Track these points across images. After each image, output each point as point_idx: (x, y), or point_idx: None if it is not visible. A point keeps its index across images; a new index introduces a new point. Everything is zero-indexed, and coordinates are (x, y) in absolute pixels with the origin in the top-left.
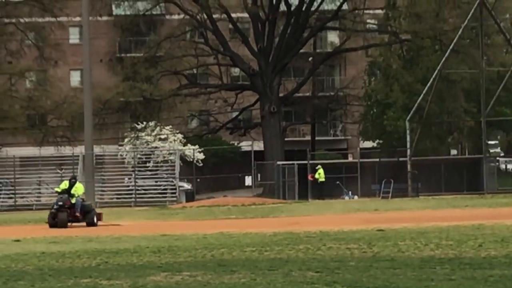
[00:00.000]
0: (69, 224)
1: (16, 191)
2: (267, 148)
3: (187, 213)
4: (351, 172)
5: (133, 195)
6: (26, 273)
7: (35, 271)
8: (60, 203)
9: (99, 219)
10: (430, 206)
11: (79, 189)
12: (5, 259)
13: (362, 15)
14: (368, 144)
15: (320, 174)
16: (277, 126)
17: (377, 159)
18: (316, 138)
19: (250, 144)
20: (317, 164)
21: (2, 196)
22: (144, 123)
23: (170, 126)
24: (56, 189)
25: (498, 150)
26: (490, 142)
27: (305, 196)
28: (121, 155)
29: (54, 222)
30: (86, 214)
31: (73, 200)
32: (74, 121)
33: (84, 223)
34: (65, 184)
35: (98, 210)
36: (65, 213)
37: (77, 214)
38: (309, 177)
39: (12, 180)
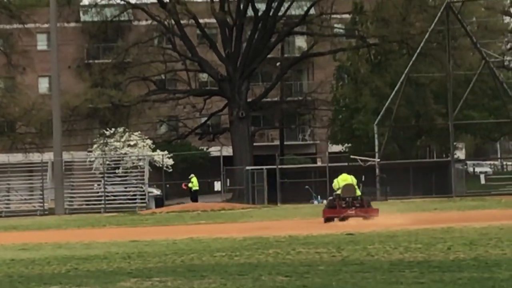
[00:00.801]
0: None
1: None
2: (236, 153)
3: (156, 218)
4: (320, 176)
5: (103, 201)
6: None
7: (4, 278)
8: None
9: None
10: (399, 209)
11: (354, 181)
12: None
13: (329, 19)
14: (337, 148)
15: (194, 183)
16: (246, 131)
17: (346, 163)
18: (285, 143)
19: (219, 150)
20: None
21: None
22: (113, 129)
23: (139, 132)
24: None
25: (462, 154)
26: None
27: (274, 201)
28: (90, 161)
29: None
30: None
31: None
32: (42, 128)
33: None
34: (350, 179)
35: (67, 217)
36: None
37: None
38: (183, 186)
39: None
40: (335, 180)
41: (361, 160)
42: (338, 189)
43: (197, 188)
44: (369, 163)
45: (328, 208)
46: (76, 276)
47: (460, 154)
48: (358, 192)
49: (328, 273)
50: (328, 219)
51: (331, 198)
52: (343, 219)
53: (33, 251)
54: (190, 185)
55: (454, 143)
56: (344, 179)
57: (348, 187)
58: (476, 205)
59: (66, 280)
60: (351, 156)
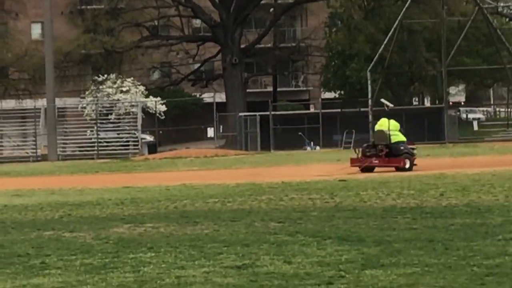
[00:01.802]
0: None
1: None
2: (229, 99)
3: (149, 165)
4: (313, 123)
5: (96, 148)
6: None
7: None
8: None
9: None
10: None
11: (393, 126)
12: None
13: None
14: (330, 95)
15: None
16: (239, 77)
17: (339, 110)
18: (278, 89)
19: (212, 96)
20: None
21: None
22: (106, 75)
23: (132, 78)
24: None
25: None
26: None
27: (267, 147)
28: (82, 107)
29: None
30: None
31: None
32: (35, 74)
33: None
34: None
35: (60, 163)
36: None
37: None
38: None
39: None
40: (376, 125)
41: (385, 105)
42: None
43: None
44: (390, 106)
45: (355, 157)
46: (69, 222)
47: (462, 98)
48: (397, 138)
49: (321, 219)
50: (361, 168)
51: (365, 145)
52: (365, 169)
53: (26, 197)
54: None
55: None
56: (380, 125)
57: (380, 133)
58: (468, 152)
59: (59, 226)
60: (381, 100)
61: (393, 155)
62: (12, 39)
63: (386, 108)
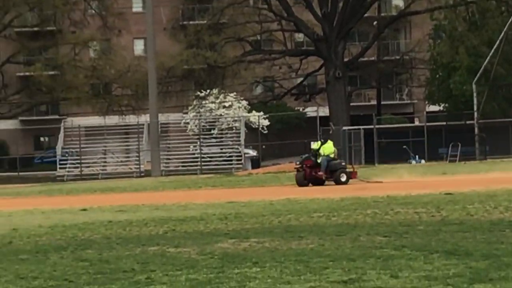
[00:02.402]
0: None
1: (82, 161)
2: (332, 113)
3: (253, 179)
4: (417, 136)
5: (199, 163)
6: (93, 241)
7: (103, 239)
8: (299, 162)
9: (351, 177)
10: (498, 168)
11: (326, 148)
12: (72, 228)
13: None
14: (434, 108)
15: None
16: (342, 91)
17: (444, 123)
18: (382, 103)
19: (316, 110)
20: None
21: (68, 165)
22: (208, 90)
23: (234, 93)
24: (312, 147)
25: None
26: None
27: (371, 161)
28: (185, 123)
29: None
30: (332, 173)
31: (319, 160)
32: (138, 90)
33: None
34: (317, 144)
35: (163, 179)
36: (302, 173)
37: (320, 173)
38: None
39: (78, 150)
40: None
41: None
42: None
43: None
44: None
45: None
46: (173, 237)
47: None
48: None
49: (427, 233)
50: None
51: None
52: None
53: (130, 212)
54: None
55: None
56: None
57: None
58: None
59: (164, 241)
60: None
61: None
62: (115, 55)
63: None
